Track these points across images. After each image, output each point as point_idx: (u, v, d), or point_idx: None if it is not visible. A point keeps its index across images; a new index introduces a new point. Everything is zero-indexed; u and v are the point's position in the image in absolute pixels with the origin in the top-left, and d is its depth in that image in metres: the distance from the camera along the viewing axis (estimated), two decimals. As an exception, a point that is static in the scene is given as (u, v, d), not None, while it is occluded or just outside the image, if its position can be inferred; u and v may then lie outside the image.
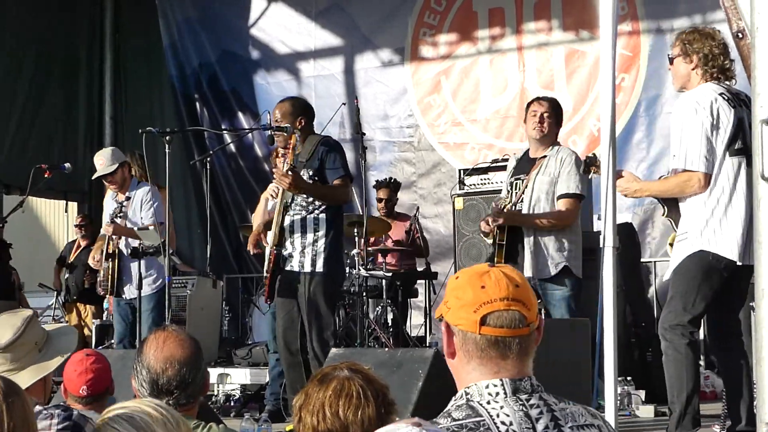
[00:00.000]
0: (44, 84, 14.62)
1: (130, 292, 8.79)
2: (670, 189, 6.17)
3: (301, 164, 7.50)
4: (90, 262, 9.14)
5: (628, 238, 9.63)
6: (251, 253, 8.55)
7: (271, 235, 7.54)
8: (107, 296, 9.64)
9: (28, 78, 14.43)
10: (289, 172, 7.22)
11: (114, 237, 8.82)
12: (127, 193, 8.90)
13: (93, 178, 9.27)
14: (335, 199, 7.66)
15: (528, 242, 7.43)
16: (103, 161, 9.00)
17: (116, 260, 8.73)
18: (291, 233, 7.50)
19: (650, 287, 10.59)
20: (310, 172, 7.43)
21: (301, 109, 7.73)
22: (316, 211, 7.49)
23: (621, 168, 7.19)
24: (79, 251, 12.79)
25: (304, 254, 7.45)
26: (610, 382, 5.32)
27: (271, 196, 7.89)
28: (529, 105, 7.85)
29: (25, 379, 3.74)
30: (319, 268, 7.44)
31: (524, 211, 7.47)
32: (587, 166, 6.43)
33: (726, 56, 6.12)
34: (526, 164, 7.70)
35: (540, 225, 7.44)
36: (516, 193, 7.59)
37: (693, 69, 6.15)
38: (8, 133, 14.21)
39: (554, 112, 7.70)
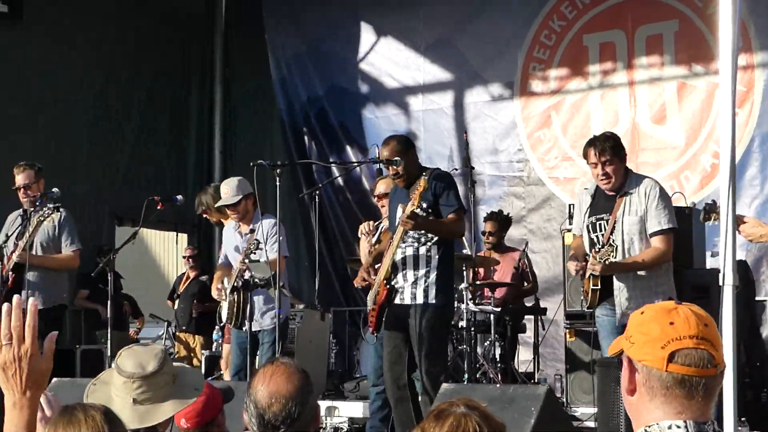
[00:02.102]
0: (155, 117, 14.90)
1: (253, 324, 8.84)
2: None
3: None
4: (213, 294, 9.20)
5: (743, 275, 9.43)
6: (357, 287, 8.52)
7: (382, 269, 7.52)
8: (218, 326, 9.72)
9: (140, 111, 14.72)
10: (413, 215, 7.22)
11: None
12: (251, 225, 8.91)
13: (216, 206, 9.33)
14: (451, 234, 7.62)
15: (624, 284, 7.27)
16: (228, 191, 9.07)
17: (241, 293, 8.76)
18: (403, 266, 7.46)
19: (764, 326, 10.38)
20: (424, 205, 7.37)
21: (407, 146, 7.69)
22: (429, 244, 7.43)
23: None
24: (188, 282, 12.96)
25: (416, 286, 7.39)
26: (730, 424, 5.21)
27: (366, 234, 7.93)
28: (586, 149, 7.55)
29: (168, 410, 3.78)
30: (432, 300, 7.37)
31: (618, 255, 7.29)
32: (707, 213, 6.31)
33: None
34: (604, 202, 7.43)
35: (640, 269, 7.30)
36: (602, 235, 7.40)
37: None
38: (120, 166, 14.49)
39: (613, 153, 7.35)
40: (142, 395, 3.73)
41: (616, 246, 7.22)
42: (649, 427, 2.46)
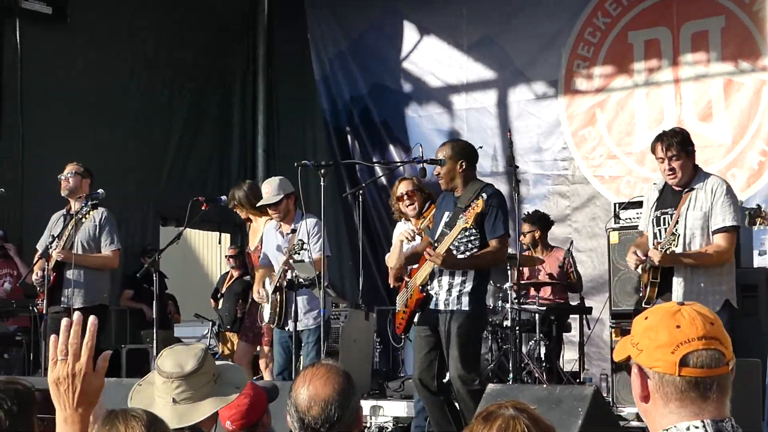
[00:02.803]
0: (199, 118, 14.97)
1: (292, 325, 8.85)
2: None
3: (459, 210, 7.32)
4: (255, 296, 9.21)
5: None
6: (391, 286, 8.46)
7: (420, 274, 7.48)
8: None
9: (184, 112, 14.80)
10: (447, 257, 7.19)
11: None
12: (292, 225, 8.91)
13: (257, 205, 9.33)
14: (489, 265, 7.58)
15: (682, 278, 7.19)
16: (269, 190, 9.06)
17: (284, 293, 8.77)
18: (440, 273, 7.40)
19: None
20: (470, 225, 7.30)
21: (461, 153, 7.54)
22: (467, 253, 7.39)
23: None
24: (231, 282, 12.99)
25: (450, 294, 7.34)
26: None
27: (407, 239, 7.88)
28: (654, 144, 7.39)
29: (206, 409, 3.79)
30: (465, 306, 7.31)
31: (679, 248, 7.21)
32: (752, 218, 6.24)
33: None
34: (671, 197, 7.36)
35: (700, 264, 7.19)
36: (665, 229, 7.35)
37: None
38: (165, 166, 14.58)
39: (680, 148, 7.23)
40: (182, 395, 3.74)
41: (678, 236, 7.16)
42: (667, 430, 2.46)
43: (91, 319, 2.91)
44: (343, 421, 3.37)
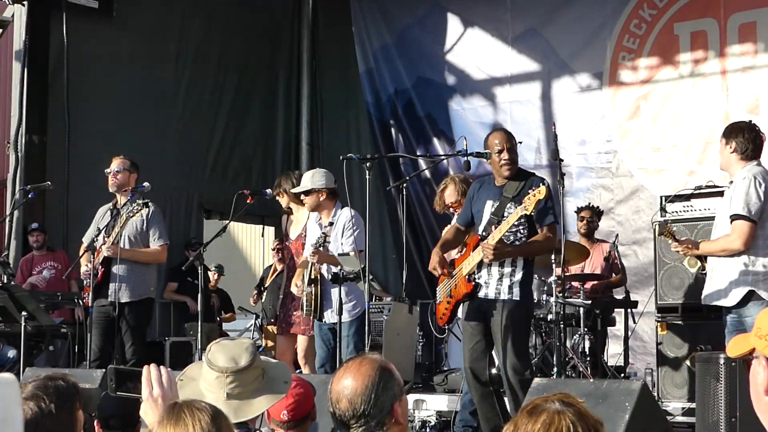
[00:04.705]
0: (243, 111, 15.01)
1: (331, 316, 8.86)
2: None
3: (506, 199, 7.36)
4: (293, 290, 9.25)
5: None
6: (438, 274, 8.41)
7: (468, 264, 7.46)
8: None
9: (228, 105, 14.84)
10: (500, 246, 7.19)
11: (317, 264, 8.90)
12: (330, 218, 8.96)
13: (291, 190, 9.40)
14: (540, 253, 7.66)
15: (709, 265, 7.38)
16: (305, 180, 9.14)
17: (319, 285, 8.83)
18: (489, 263, 7.36)
19: None
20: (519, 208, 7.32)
21: (515, 141, 7.60)
22: (516, 243, 7.39)
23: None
24: (275, 275, 13.02)
25: (501, 283, 7.33)
26: None
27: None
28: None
29: (261, 405, 3.79)
30: (516, 296, 7.31)
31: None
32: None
33: None
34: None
35: (715, 252, 7.33)
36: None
37: None
38: (209, 159, 14.63)
39: (730, 138, 7.44)
40: (236, 389, 3.72)
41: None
42: None
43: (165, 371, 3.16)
44: (374, 415, 3.30)
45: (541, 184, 7.16)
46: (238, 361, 3.74)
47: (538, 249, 7.56)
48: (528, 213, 7.10)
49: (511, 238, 7.34)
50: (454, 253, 8.09)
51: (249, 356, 3.76)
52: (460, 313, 7.79)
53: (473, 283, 7.40)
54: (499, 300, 7.32)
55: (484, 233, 7.38)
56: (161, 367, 3.47)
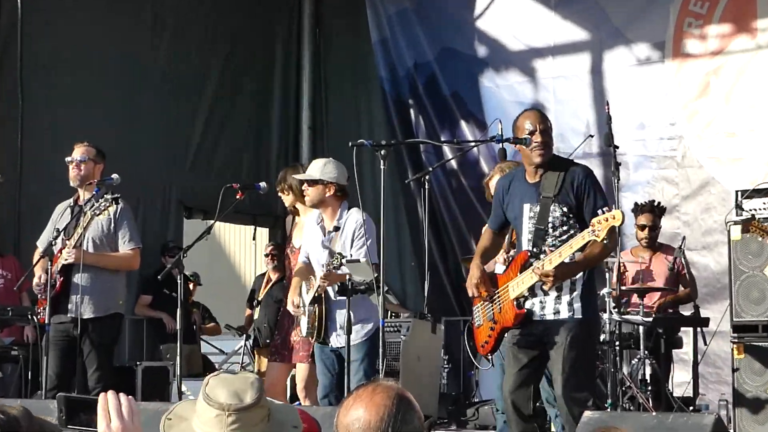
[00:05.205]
0: (232, 91, 14.98)
1: (336, 340, 8.76)
2: None
3: (548, 201, 7.28)
4: (289, 308, 9.16)
5: None
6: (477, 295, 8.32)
7: (516, 287, 7.35)
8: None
9: (215, 82, 14.81)
10: (560, 271, 7.11)
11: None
12: (335, 221, 8.84)
13: (294, 175, 9.30)
14: (601, 261, 7.66)
15: None
16: (311, 169, 9.01)
17: (323, 302, 8.72)
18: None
19: None
20: (564, 209, 7.23)
21: (550, 124, 7.57)
22: (576, 253, 7.28)
23: None
24: (270, 286, 12.97)
25: (560, 301, 7.28)
26: None
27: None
28: None
29: None
30: (578, 312, 7.26)
31: None
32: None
33: None
34: None
35: None
36: None
37: None
38: (190, 149, 14.58)
39: None
40: (238, 431, 3.66)
41: None
42: None
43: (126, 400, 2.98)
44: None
45: (605, 209, 7.03)
46: (243, 397, 3.69)
47: (599, 257, 7.48)
48: (599, 240, 7.00)
49: (565, 237, 7.25)
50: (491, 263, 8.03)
51: (255, 393, 3.71)
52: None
53: (524, 311, 7.32)
54: (558, 320, 7.29)
55: (534, 249, 7.31)
56: (121, 395, 3.37)
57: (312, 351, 9.20)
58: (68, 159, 9.56)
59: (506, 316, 7.42)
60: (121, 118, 13.56)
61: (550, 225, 7.27)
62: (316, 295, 8.72)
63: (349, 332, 8.34)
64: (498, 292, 7.47)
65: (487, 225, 8.25)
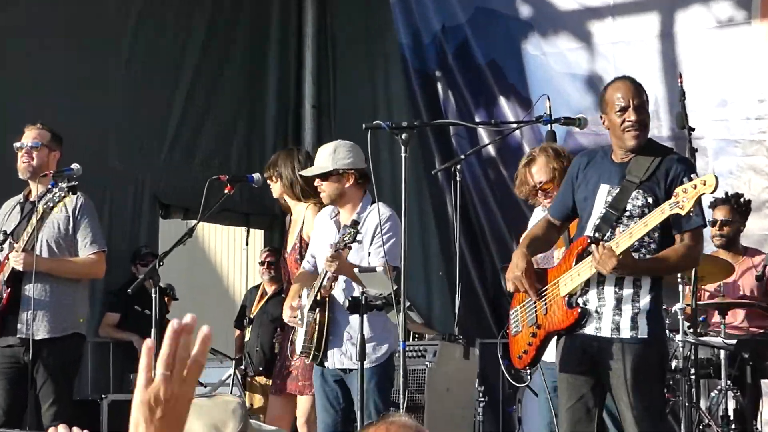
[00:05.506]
0: (219, 61, 15.03)
1: (338, 360, 8.73)
2: None
3: (631, 185, 7.29)
4: (285, 316, 9.16)
5: None
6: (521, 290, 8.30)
7: (569, 281, 7.34)
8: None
9: (197, 52, 14.84)
10: (625, 260, 7.12)
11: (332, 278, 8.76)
12: (356, 214, 8.81)
13: (301, 173, 9.28)
14: (680, 270, 7.94)
15: None
16: (321, 158, 8.97)
17: (326, 309, 8.69)
18: (599, 280, 7.30)
19: None
20: (649, 199, 7.21)
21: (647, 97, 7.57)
22: (643, 249, 7.30)
23: None
24: (264, 301, 13.00)
25: (620, 312, 7.27)
26: None
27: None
28: None
29: None
30: (643, 333, 7.25)
31: None
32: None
33: None
34: None
35: None
36: None
37: None
38: (168, 131, 14.58)
39: None
40: None
41: None
42: None
43: (205, 329, 2.82)
44: None
45: (694, 174, 7.11)
46: (222, 429, 3.68)
47: (675, 265, 7.59)
48: (683, 214, 6.99)
49: (635, 245, 7.24)
50: (539, 257, 8.03)
51: (238, 422, 3.74)
52: (547, 354, 7.69)
53: (578, 309, 7.28)
54: (618, 339, 7.28)
55: (596, 234, 7.28)
56: (74, 429, 3.34)
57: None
58: (17, 145, 9.56)
59: (554, 318, 7.42)
60: (83, 96, 13.57)
61: (626, 213, 7.26)
62: (319, 298, 8.66)
63: (362, 358, 8.32)
64: (545, 290, 7.47)
65: (546, 211, 8.24)
